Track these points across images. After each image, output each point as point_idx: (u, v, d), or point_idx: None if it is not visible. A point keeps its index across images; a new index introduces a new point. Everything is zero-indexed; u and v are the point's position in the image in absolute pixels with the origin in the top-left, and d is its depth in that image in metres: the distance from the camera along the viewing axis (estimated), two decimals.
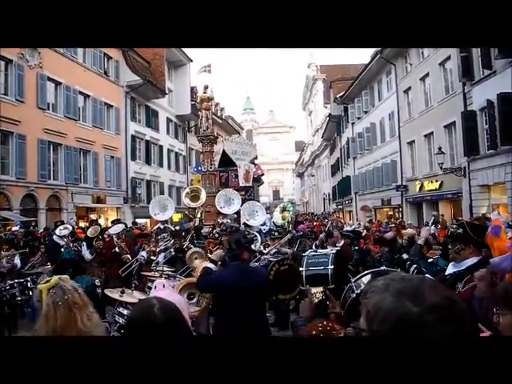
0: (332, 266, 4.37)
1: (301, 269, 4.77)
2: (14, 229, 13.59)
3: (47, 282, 2.24)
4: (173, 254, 8.43)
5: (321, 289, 2.79)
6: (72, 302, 2.14)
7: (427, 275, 3.40)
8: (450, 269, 3.39)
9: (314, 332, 2.01)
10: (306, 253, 5.39)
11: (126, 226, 15.24)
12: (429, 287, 1.06)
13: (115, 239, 9.06)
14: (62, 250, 9.09)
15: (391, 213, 26.88)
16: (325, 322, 2.06)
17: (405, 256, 6.59)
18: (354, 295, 4.23)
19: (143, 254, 8.12)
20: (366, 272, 4.58)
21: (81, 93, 23.32)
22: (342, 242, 6.24)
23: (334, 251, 4.85)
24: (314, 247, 6.82)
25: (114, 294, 4.61)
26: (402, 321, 1.00)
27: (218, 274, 4.47)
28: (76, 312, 2.12)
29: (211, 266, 4.57)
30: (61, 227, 10.13)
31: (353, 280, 4.51)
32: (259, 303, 4.51)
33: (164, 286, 2.98)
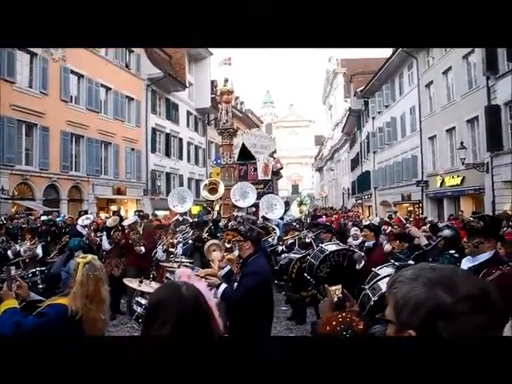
0: None
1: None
2: (42, 218, 13.90)
3: (83, 257, 2.92)
4: (190, 243, 8.47)
5: (339, 286, 2.77)
6: (99, 277, 2.83)
7: None
8: (465, 264, 3.31)
9: (334, 323, 1.96)
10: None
11: (147, 217, 15.42)
12: (462, 277, 1.02)
13: (126, 231, 9.14)
14: None
15: (411, 208, 26.59)
16: (344, 314, 2.03)
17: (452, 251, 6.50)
18: (373, 302, 4.14)
19: (160, 250, 8.17)
20: (381, 276, 4.48)
21: (102, 85, 23.59)
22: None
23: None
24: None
25: (132, 283, 4.68)
26: (434, 311, 0.96)
27: (260, 268, 4.21)
28: (100, 285, 2.82)
29: (226, 269, 4.54)
30: (83, 217, 10.32)
31: (367, 287, 4.42)
32: None
33: (189, 276, 2.98)
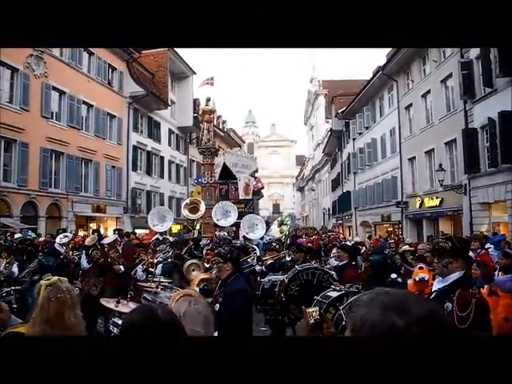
0: None
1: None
2: (16, 236, 13.59)
3: (49, 279, 2.73)
4: (170, 261, 8.41)
5: (316, 308, 2.76)
6: (63, 300, 2.51)
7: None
8: (436, 285, 3.39)
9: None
10: None
11: (127, 235, 15.22)
12: (413, 301, 1.09)
13: (105, 249, 8.98)
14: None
15: (391, 229, 26.83)
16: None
17: (394, 275, 6.64)
18: (344, 322, 4.29)
19: (139, 269, 8.07)
20: (352, 299, 4.64)
21: (84, 102, 23.46)
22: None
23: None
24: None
25: (109, 303, 4.59)
26: (388, 333, 1.01)
27: (242, 287, 4.41)
28: (65, 309, 2.49)
29: None
30: (61, 235, 10.15)
31: (341, 308, 4.59)
32: None
33: None
